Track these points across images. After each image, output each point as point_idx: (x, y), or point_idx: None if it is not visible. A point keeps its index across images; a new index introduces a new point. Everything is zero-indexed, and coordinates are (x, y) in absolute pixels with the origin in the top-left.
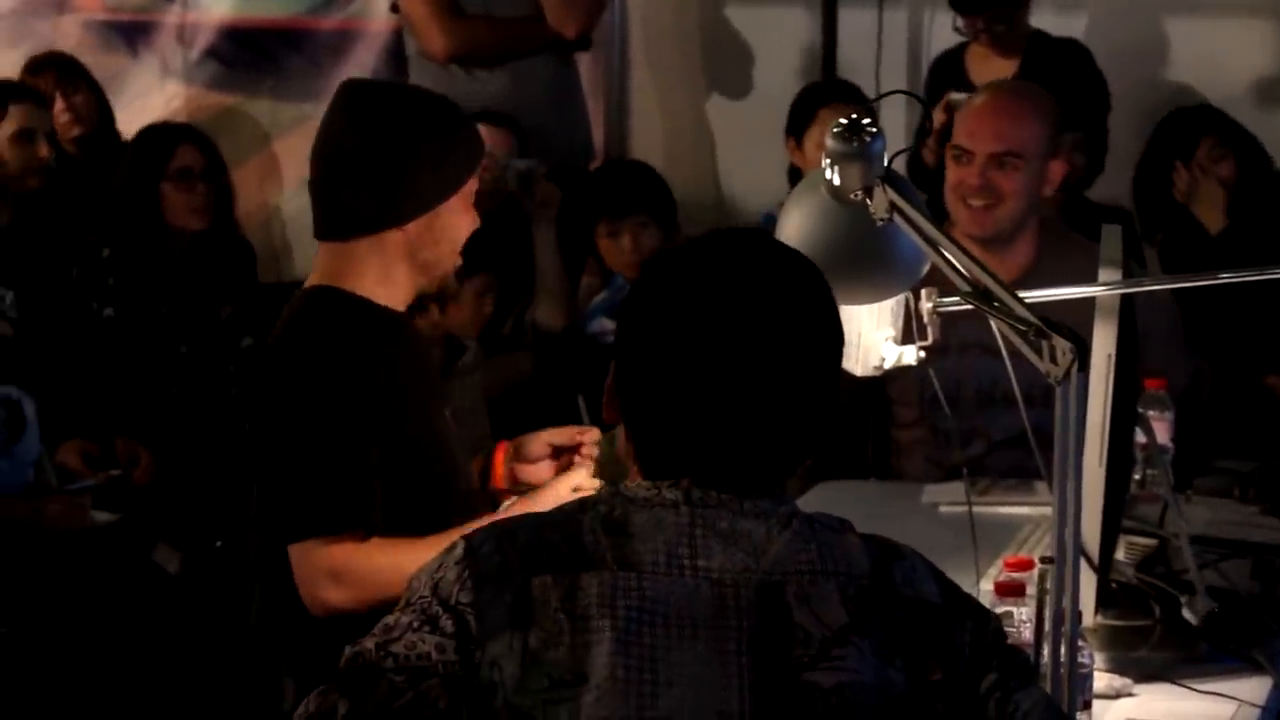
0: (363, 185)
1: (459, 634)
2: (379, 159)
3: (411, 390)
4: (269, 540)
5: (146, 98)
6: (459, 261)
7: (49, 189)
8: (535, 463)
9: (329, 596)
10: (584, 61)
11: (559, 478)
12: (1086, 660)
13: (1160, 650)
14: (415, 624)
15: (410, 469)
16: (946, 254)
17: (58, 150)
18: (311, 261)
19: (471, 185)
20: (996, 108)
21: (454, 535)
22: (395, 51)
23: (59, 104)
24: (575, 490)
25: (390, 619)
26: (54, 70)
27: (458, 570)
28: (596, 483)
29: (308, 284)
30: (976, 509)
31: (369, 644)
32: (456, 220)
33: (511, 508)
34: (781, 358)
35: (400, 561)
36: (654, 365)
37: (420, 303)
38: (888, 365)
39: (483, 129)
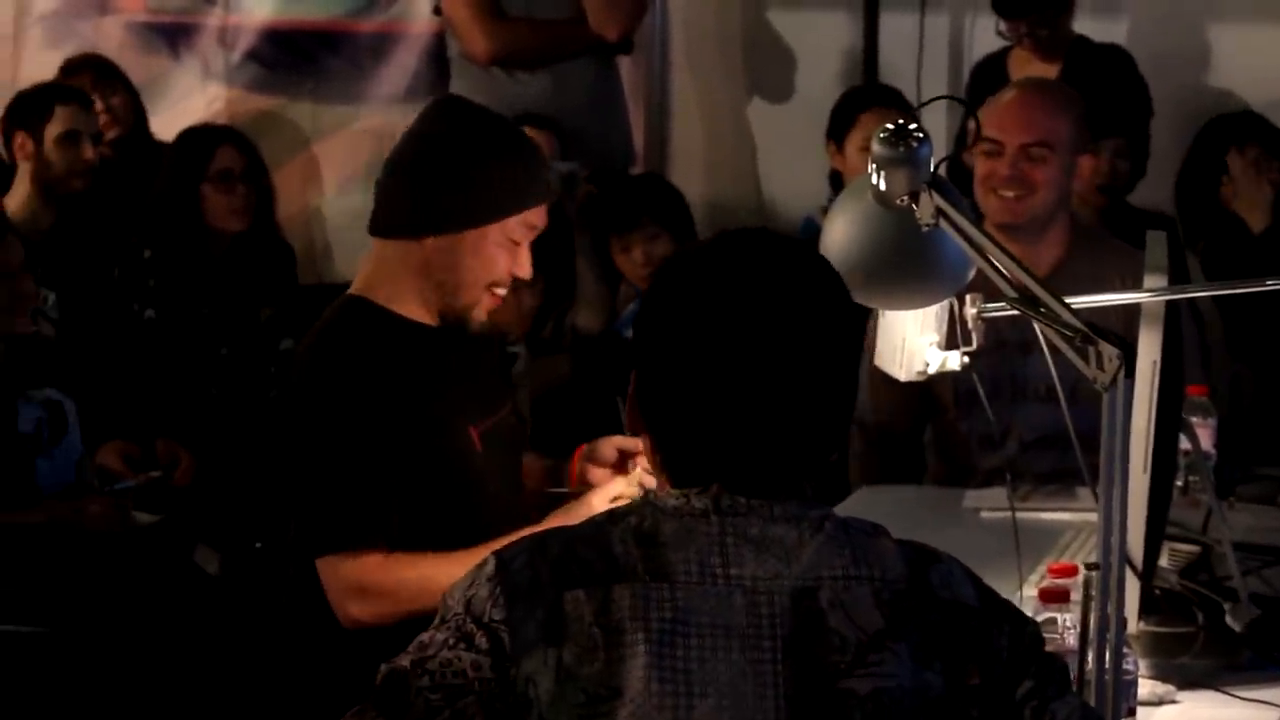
0: (395, 189)
1: (494, 651)
2: (414, 169)
3: (429, 406)
4: (295, 553)
5: (188, 100)
6: (491, 298)
7: (92, 191)
8: (605, 466)
9: (355, 611)
10: (625, 65)
11: (596, 489)
12: (1130, 667)
13: (1203, 657)
14: (450, 641)
15: (428, 484)
16: (992, 259)
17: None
18: (351, 264)
19: (514, 227)
20: (1024, 101)
21: (482, 549)
22: (437, 54)
23: (96, 105)
24: (614, 500)
25: (425, 636)
26: (91, 72)
27: (489, 587)
28: (636, 491)
29: (349, 290)
30: (1018, 515)
31: (404, 661)
32: (485, 253)
33: (551, 519)
34: (801, 354)
35: (425, 575)
36: (674, 372)
37: None
38: (931, 370)
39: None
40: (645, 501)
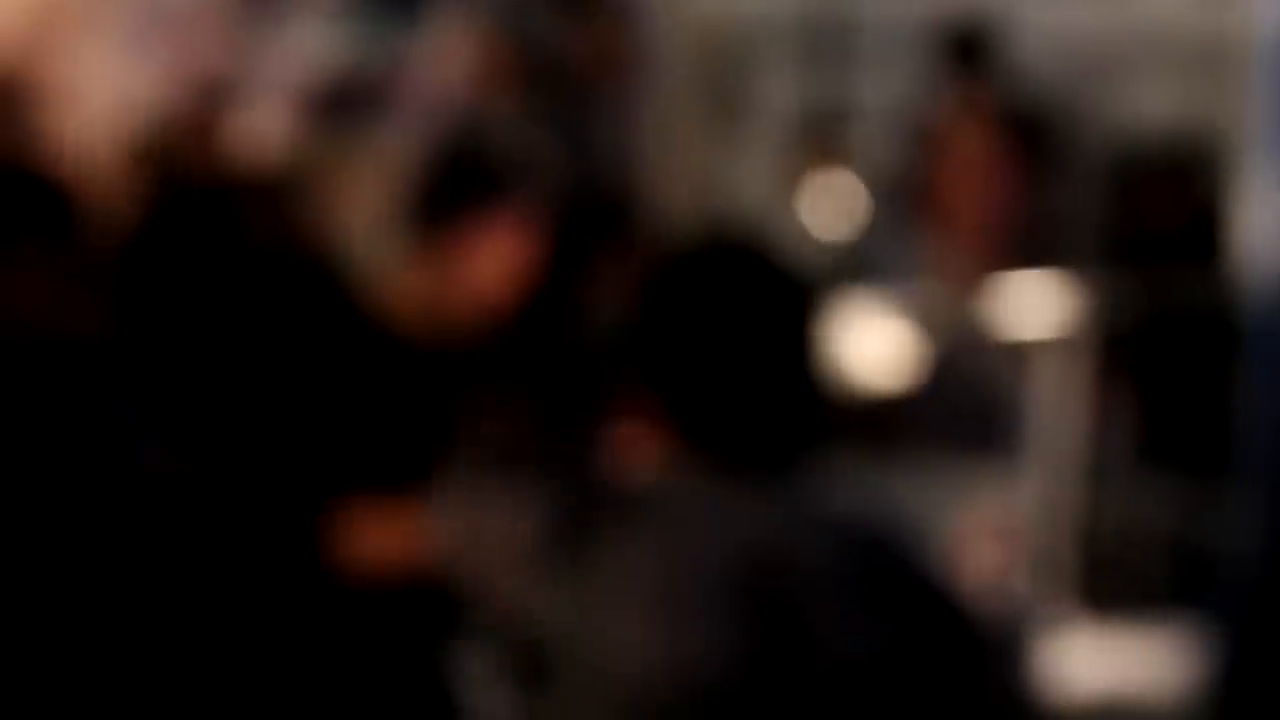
0: None
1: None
2: None
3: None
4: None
5: None
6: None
7: None
8: None
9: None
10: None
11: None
12: (1040, 612)
13: (1111, 603)
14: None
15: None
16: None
17: None
18: None
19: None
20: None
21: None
22: None
23: None
24: None
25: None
26: None
27: (532, 527)
28: None
29: None
30: (939, 487)
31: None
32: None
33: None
34: (788, 343)
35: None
36: (688, 364)
37: None
38: (874, 381)
39: None
40: (624, 475)
